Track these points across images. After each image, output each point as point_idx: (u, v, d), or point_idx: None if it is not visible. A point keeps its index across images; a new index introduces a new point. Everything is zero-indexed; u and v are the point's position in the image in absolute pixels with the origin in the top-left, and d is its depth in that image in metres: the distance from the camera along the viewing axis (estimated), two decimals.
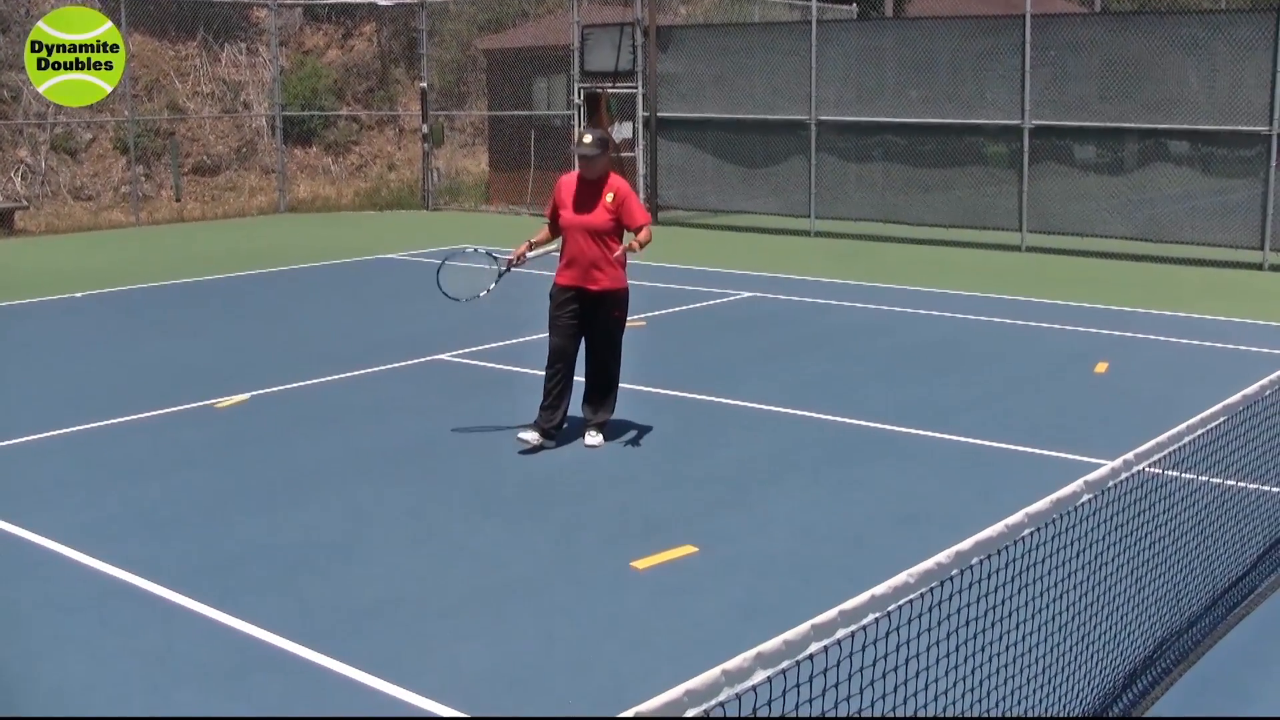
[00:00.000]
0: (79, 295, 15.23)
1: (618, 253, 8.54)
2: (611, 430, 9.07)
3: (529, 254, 8.99)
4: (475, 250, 9.43)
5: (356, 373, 11.13)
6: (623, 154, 22.65)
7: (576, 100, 22.13)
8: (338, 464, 8.63)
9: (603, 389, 8.89)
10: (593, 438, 8.81)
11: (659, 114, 21.65)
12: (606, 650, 5.78)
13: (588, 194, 8.62)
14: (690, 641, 5.83)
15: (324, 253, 18.68)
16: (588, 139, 8.63)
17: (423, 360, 11.55)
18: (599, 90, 22.18)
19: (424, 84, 24.70)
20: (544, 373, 8.89)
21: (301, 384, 10.73)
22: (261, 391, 10.46)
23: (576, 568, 6.77)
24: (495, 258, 9.18)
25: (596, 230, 8.56)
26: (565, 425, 8.91)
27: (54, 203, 23.82)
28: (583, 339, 8.83)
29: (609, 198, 8.59)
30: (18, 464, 8.69)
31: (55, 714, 5.21)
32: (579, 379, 8.93)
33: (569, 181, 8.76)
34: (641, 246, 8.50)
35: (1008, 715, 4.58)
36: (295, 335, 13.04)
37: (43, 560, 6.90)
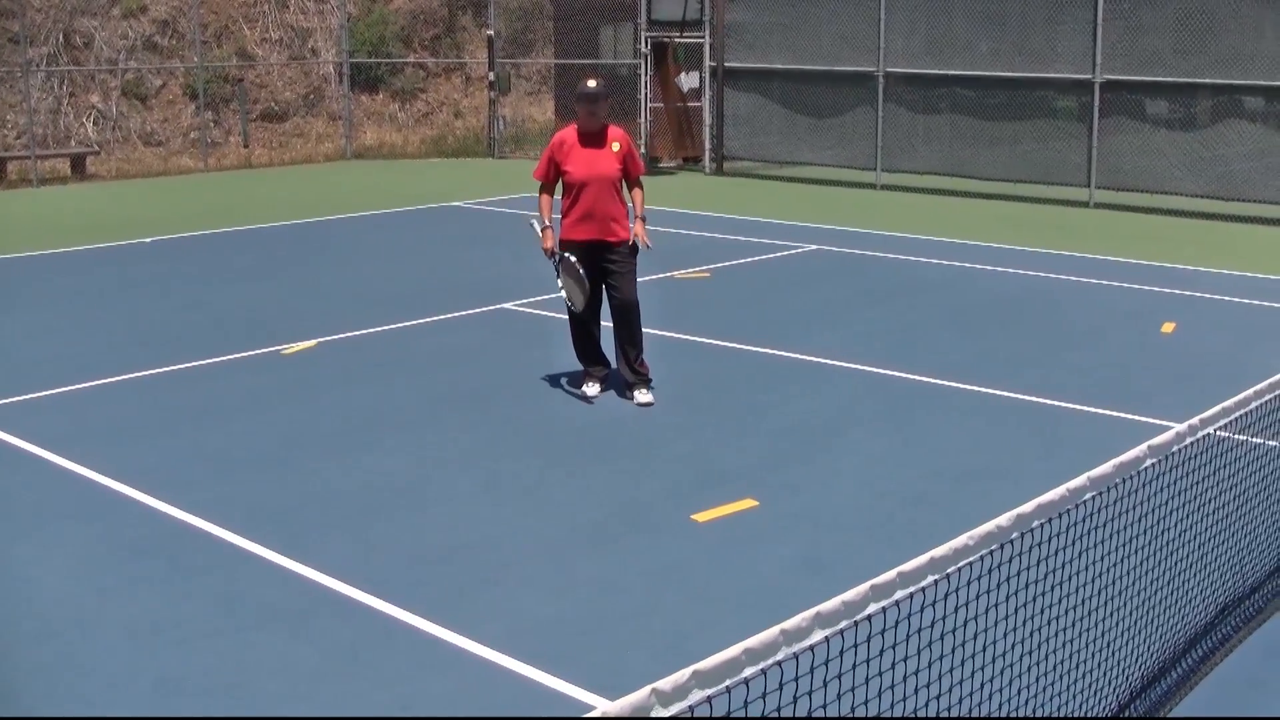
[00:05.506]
0: (148, 240, 15.40)
1: (636, 233, 8.65)
2: (674, 381, 9.10)
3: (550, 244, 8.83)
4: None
5: (422, 320, 11.21)
6: (689, 104, 22.56)
7: (643, 49, 22.02)
8: (403, 410, 8.72)
9: (636, 328, 8.78)
10: (643, 395, 8.76)
11: (726, 64, 21.53)
12: (668, 601, 5.83)
13: (592, 147, 8.69)
14: (751, 594, 5.87)
15: (390, 199, 18.77)
16: (593, 82, 8.75)
17: (488, 309, 11.61)
18: (666, 40, 22.07)
19: (490, 32, 24.66)
20: (575, 332, 8.96)
21: (367, 331, 10.83)
22: (328, 338, 10.57)
23: (639, 518, 6.83)
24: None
25: (612, 181, 8.66)
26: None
27: (124, 148, 24.06)
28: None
29: (614, 147, 8.71)
30: (87, 407, 8.85)
31: (130, 654, 5.34)
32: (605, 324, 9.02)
33: (568, 137, 8.77)
34: (644, 221, 8.80)
35: (1057, 697, 4.59)
36: (361, 282, 13.14)
37: (112, 502, 7.05)
